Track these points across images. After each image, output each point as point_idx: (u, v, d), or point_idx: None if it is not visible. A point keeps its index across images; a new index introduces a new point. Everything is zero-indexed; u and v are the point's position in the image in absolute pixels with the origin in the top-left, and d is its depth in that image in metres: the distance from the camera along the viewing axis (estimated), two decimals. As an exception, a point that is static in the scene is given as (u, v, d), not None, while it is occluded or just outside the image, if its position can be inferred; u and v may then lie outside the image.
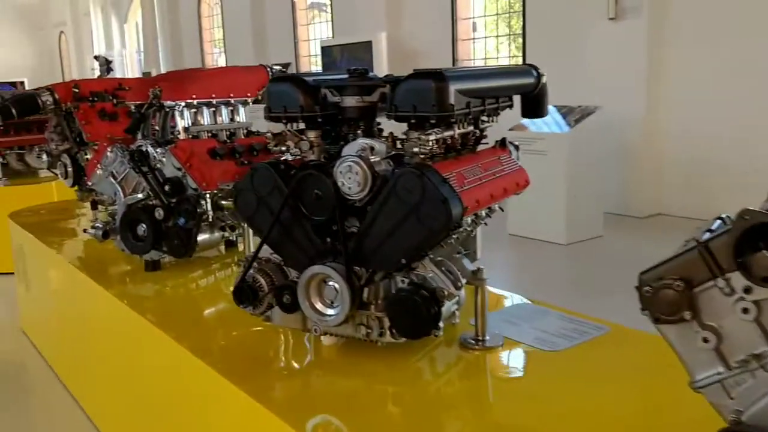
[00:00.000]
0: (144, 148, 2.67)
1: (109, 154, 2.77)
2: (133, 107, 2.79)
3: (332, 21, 10.78)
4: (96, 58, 16.38)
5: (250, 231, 2.77)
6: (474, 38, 8.86)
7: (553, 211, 5.72)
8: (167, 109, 2.70)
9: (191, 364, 2.06)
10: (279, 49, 11.98)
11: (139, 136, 2.79)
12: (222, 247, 3.03)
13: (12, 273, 5.32)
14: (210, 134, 2.78)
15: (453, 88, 1.64)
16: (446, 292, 1.63)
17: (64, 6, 22.72)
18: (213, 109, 2.81)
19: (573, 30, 7.24)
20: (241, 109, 2.92)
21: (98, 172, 2.82)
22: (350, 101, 1.76)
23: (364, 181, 1.62)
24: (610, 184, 6.56)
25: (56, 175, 3.84)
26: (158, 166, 2.64)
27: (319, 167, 1.72)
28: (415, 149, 1.65)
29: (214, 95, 2.77)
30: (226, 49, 14.13)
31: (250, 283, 1.83)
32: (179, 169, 2.58)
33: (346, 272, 1.67)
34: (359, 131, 1.81)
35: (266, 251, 1.87)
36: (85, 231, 2.85)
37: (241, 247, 2.97)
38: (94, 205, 3.86)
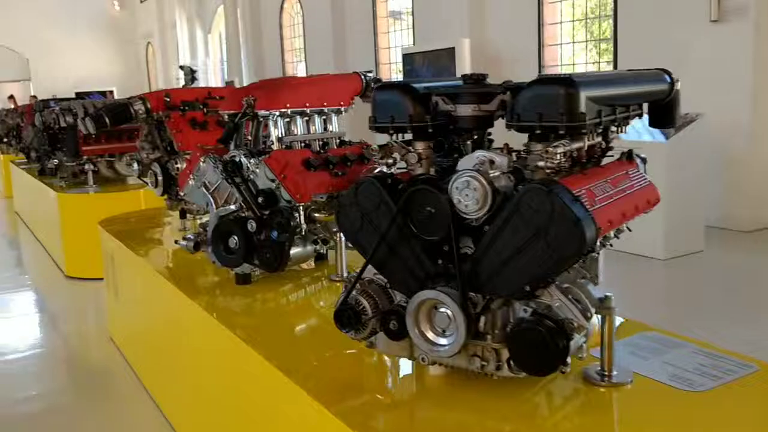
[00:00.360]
0: (237, 159, 2.59)
1: (201, 164, 2.71)
2: (226, 116, 2.72)
3: (413, 28, 10.67)
4: (181, 67, 16.92)
5: (343, 246, 2.66)
6: (561, 43, 8.57)
7: (650, 224, 5.35)
8: (261, 119, 2.61)
9: (281, 383, 1.96)
10: (359, 57, 11.96)
11: (232, 146, 2.73)
12: (312, 261, 2.93)
13: (102, 279, 5.42)
14: (303, 144, 2.67)
15: (584, 95, 1.47)
16: (576, 324, 1.45)
17: (152, 18, 23.52)
18: (306, 118, 2.70)
19: (670, 33, 6.87)
20: (334, 118, 2.81)
21: (190, 182, 2.76)
22: (465, 110, 1.61)
23: (484, 198, 1.46)
24: (711, 196, 6.17)
25: (146, 183, 3.83)
26: (251, 177, 2.56)
27: (431, 182, 1.57)
28: (540, 163, 1.48)
29: (308, 104, 2.67)
30: (306, 57, 14.24)
31: (352, 305, 1.70)
32: (273, 181, 2.49)
33: (462, 298, 1.52)
34: (473, 143, 1.66)
35: (370, 271, 1.74)
36: (176, 242, 2.79)
37: (332, 261, 2.86)
38: (183, 214, 3.84)
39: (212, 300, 2.68)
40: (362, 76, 2.88)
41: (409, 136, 1.72)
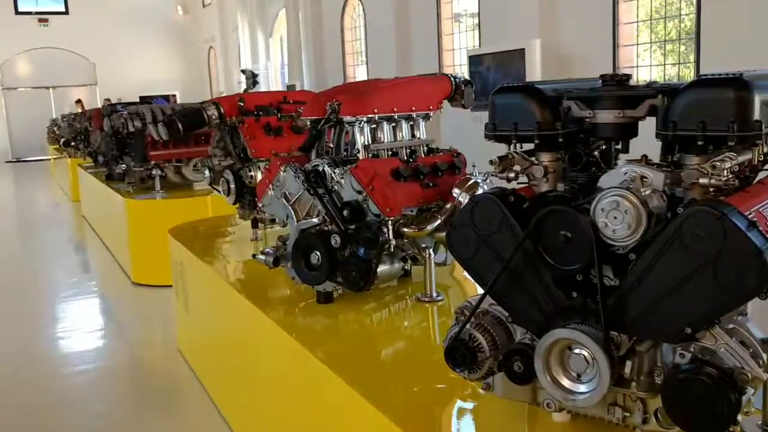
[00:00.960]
0: (320, 168, 2.40)
1: (282, 173, 2.53)
2: (308, 123, 2.54)
3: (479, 30, 10.41)
4: (243, 71, 16.96)
5: (432, 264, 2.45)
6: (637, 43, 8.17)
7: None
8: (346, 125, 2.42)
9: (366, 412, 1.78)
10: (422, 59, 11.75)
11: (313, 154, 2.55)
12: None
13: (170, 286, 5.34)
14: (390, 152, 2.47)
15: (759, 99, 1.22)
16: (749, 375, 1.21)
17: (214, 23, 23.80)
18: (393, 124, 2.50)
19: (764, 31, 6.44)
20: (422, 124, 2.60)
21: (270, 192, 2.59)
22: (606, 116, 1.37)
23: (637, 221, 1.23)
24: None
25: (218, 191, 3.70)
26: (336, 188, 2.37)
27: (567, 202, 1.35)
28: (702, 180, 1.24)
29: (395, 109, 2.47)
30: (368, 60, 14.10)
31: (466, 341, 1.48)
32: (360, 192, 2.29)
33: (605, 339, 1.28)
34: (613, 154, 1.42)
35: (484, 301, 1.52)
36: (254, 257, 2.63)
37: (415, 278, 2.65)
38: (255, 224, 3.70)
39: (291, 319, 2.50)
40: (451, 78, 2.66)
41: (528, 146, 1.50)
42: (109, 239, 7.31)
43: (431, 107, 2.60)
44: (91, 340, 4.81)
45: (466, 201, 2.40)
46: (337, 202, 2.36)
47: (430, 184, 2.36)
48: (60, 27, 25.92)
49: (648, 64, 8.13)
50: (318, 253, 2.39)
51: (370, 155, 2.41)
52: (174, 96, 25.54)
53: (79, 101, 22.70)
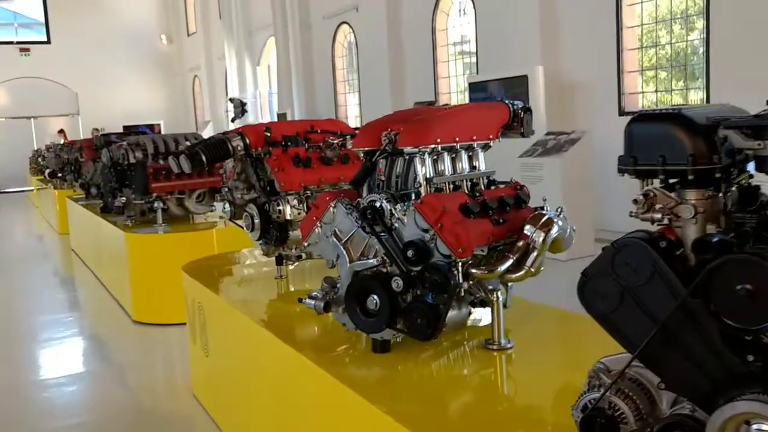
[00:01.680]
0: (378, 204, 2.18)
1: (332, 209, 2.31)
2: (361, 154, 2.33)
3: (477, 56, 10.31)
4: (231, 100, 16.81)
5: (501, 308, 2.23)
6: (642, 69, 8.09)
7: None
8: (406, 157, 2.21)
9: None
10: (417, 86, 11.64)
11: (364, 189, 2.33)
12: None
13: (174, 324, 5.06)
14: (452, 186, 2.26)
15: None
16: None
17: (199, 51, 23.62)
18: (453, 155, 2.30)
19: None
20: (481, 154, 2.40)
21: (317, 230, 2.37)
22: (782, 148, 1.18)
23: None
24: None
25: (238, 226, 3.47)
26: (396, 225, 2.15)
27: (737, 248, 1.15)
28: None
29: (458, 138, 2.27)
30: (360, 87, 13.97)
31: (604, 409, 1.26)
32: (425, 231, 2.08)
33: (799, 414, 1.07)
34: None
35: (618, 361, 1.31)
36: (300, 301, 2.39)
37: (473, 321, 2.42)
38: (280, 261, 3.46)
39: (343, 368, 2.27)
40: (509, 105, 2.47)
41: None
42: (104, 275, 7.00)
43: (491, 136, 2.40)
44: (87, 386, 4.47)
45: (545, 236, 2.21)
46: (398, 241, 2.14)
47: (501, 221, 2.15)
48: (42, 56, 25.64)
49: (653, 90, 8.05)
50: (376, 297, 2.16)
51: (432, 189, 2.20)
52: (158, 125, 25.28)
53: (61, 131, 22.39)
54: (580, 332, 2.51)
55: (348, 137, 3.37)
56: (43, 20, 26.32)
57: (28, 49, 25.85)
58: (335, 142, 3.30)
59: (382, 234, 2.17)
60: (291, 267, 3.50)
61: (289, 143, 3.24)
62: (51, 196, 12.06)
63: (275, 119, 16.33)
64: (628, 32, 7.97)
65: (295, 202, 3.21)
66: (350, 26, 14.15)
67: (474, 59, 10.45)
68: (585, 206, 6.54)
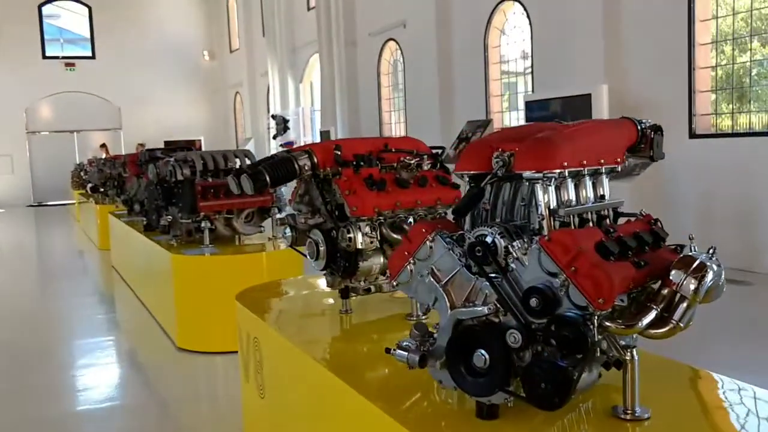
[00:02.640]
0: (490, 239, 1.80)
1: (428, 244, 1.94)
2: (466, 178, 1.96)
3: (532, 75, 9.91)
4: (273, 117, 16.62)
5: (637, 369, 1.83)
6: (716, 89, 7.59)
7: None
8: (526, 183, 1.83)
9: None
10: (467, 106, 11.26)
11: (467, 221, 1.96)
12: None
13: (221, 353, 4.74)
14: (578, 218, 1.88)
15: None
16: None
17: (241, 68, 23.60)
18: (576, 181, 1.91)
19: None
20: (605, 181, 2.01)
21: (409, 267, 1.99)
22: None
23: None
24: None
25: (300, 253, 3.13)
26: (513, 266, 1.77)
27: None
28: None
29: (585, 162, 1.88)
30: (407, 105, 13.64)
31: None
32: (553, 275, 1.69)
33: None
34: None
35: None
36: (389, 351, 2.02)
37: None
38: (346, 294, 3.09)
39: (429, 430, 1.89)
40: (637, 123, 2.09)
41: None
42: (146, 296, 6.72)
43: (618, 160, 2.01)
44: (128, 421, 4.14)
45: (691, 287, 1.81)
46: (515, 286, 1.75)
47: (641, 263, 1.75)
48: (86, 71, 25.96)
49: (729, 112, 7.55)
50: (486, 354, 1.78)
51: (557, 223, 1.81)
52: (199, 141, 25.36)
53: (103, 145, 22.55)
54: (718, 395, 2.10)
55: (425, 157, 3.02)
56: (88, 36, 26.66)
57: (73, 64, 26.19)
58: (412, 162, 2.95)
59: (495, 277, 1.78)
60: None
61: (361, 163, 2.89)
62: (92, 211, 11.94)
63: (318, 137, 16.08)
64: (701, 49, 7.50)
65: (368, 229, 2.85)
66: (397, 43, 13.87)
67: (514, 78, 10.04)
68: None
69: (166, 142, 21.05)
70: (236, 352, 4.90)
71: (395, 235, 2.89)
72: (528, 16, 9.94)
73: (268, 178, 2.82)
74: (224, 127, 27.29)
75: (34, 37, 25.43)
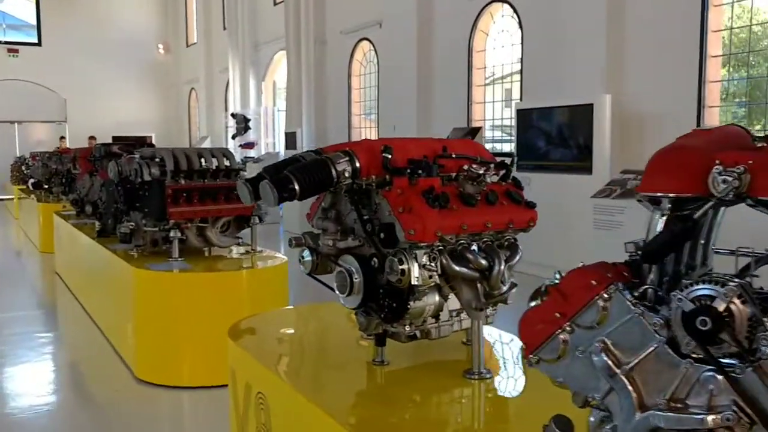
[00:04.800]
0: (722, 306, 1.12)
1: (602, 303, 1.25)
2: (646, 200, 1.28)
3: (521, 82, 9.32)
4: (233, 115, 15.62)
5: None
6: (726, 104, 7.15)
7: None
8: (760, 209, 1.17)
9: None
10: (447, 112, 10.62)
11: (652, 268, 1.28)
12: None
13: (194, 387, 3.99)
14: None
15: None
16: None
17: (199, 64, 22.50)
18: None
19: None
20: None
21: (561, 337, 1.29)
22: None
23: None
24: None
25: (327, 286, 2.40)
26: (766, 348, 1.09)
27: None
28: None
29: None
30: (379, 108, 12.92)
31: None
32: None
33: None
34: None
35: None
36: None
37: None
38: (382, 340, 2.36)
39: None
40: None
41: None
42: (98, 313, 5.82)
43: None
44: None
45: None
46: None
47: None
48: (31, 59, 24.48)
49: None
50: (715, 489, 1.09)
51: (825, 281, 1.14)
52: (149, 137, 24.12)
53: (62, 138, 21.53)
54: None
55: (491, 166, 2.34)
56: (34, 23, 25.20)
57: (16, 51, 24.68)
58: (480, 172, 2.26)
59: (731, 364, 1.10)
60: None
61: (420, 171, 2.18)
62: (34, 209, 10.86)
63: (282, 138, 15.21)
64: (712, 62, 7.03)
65: (426, 259, 2.14)
66: (371, 43, 13.16)
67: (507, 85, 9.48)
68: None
69: (115, 137, 19.85)
70: (207, 387, 4.14)
71: (457, 268, 2.19)
72: (519, 19, 9.37)
73: (297, 187, 2.09)
74: (177, 124, 26.12)
75: (-27, 20, 23.90)
